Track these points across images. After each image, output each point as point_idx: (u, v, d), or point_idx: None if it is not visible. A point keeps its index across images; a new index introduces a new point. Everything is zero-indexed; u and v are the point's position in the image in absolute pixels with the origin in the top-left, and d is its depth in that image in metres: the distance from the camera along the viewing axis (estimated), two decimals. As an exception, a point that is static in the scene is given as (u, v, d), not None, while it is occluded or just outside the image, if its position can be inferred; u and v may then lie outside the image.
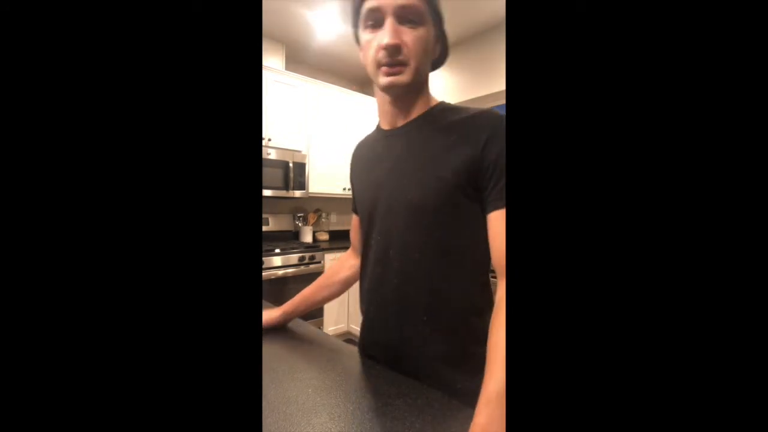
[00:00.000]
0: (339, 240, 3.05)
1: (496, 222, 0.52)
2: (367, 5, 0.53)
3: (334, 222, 3.21)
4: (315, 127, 2.71)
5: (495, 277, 0.54)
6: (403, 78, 0.54)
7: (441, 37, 0.59)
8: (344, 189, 2.93)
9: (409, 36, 0.52)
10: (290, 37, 2.59)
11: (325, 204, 3.11)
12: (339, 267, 0.83)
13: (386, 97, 0.61)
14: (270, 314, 0.82)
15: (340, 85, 2.94)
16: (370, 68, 0.56)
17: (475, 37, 2.50)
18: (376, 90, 0.62)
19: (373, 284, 0.65)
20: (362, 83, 3.37)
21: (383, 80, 0.55)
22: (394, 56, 0.52)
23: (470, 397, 0.45)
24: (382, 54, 0.53)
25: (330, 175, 2.84)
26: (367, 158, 0.69)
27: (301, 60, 2.91)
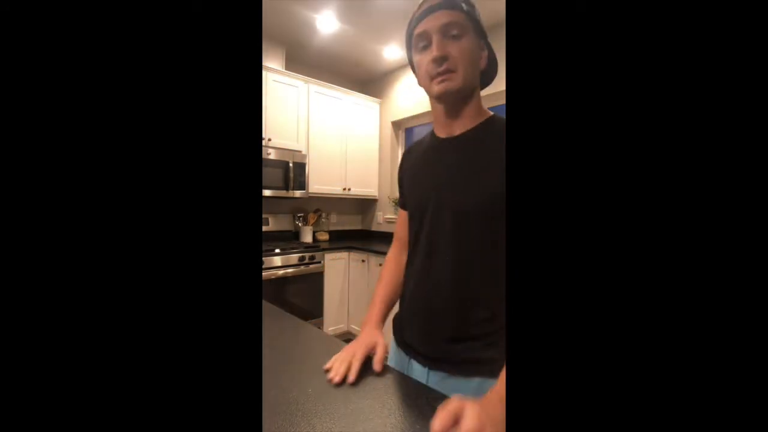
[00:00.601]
0: (339, 240, 3.05)
1: None
2: (416, 31, 0.63)
3: (334, 222, 3.21)
4: (315, 127, 2.71)
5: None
6: (453, 84, 0.61)
7: (486, 49, 0.66)
8: (344, 189, 2.93)
9: (454, 47, 0.60)
10: (290, 37, 2.59)
11: (325, 204, 3.11)
12: (398, 263, 0.84)
13: (441, 107, 0.67)
14: (379, 339, 0.70)
15: (340, 85, 2.94)
16: (425, 83, 0.64)
17: (475, 37, 2.50)
18: (432, 103, 0.69)
19: (420, 273, 0.71)
20: (362, 83, 3.37)
21: (436, 88, 0.62)
22: (442, 65, 0.60)
23: (486, 366, 0.54)
24: (432, 66, 0.61)
25: (330, 175, 2.84)
26: (422, 161, 0.75)
27: (301, 60, 2.91)
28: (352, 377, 0.58)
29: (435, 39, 0.60)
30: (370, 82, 3.34)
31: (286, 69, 2.66)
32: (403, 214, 0.82)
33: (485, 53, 0.66)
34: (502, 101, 2.44)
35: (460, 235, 0.64)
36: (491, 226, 0.61)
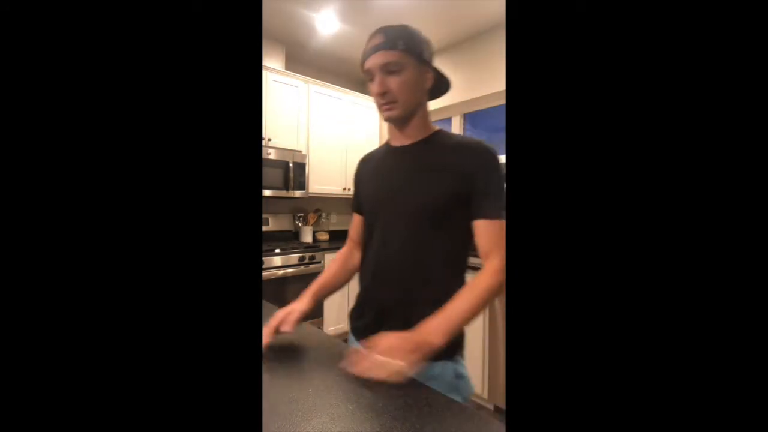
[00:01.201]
0: (339, 240, 3.05)
1: (482, 227, 0.71)
2: (364, 66, 0.74)
3: (334, 222, 3.21)
4: (315, 127, 2.71)
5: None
6: (394, 113, 0.73)
7: (430, 72, 0.75)
8: (344, 189, 2.93)
9: (393, 82, 0.71)
10: (290, 37, 2.59)
11: (325, 204, 3.11)
12: (347, 257, 0.94)
13: (392, 125, 0.80)
14: (302, 304, 0.81)
15: (340, 85, 2.93)
16: (377, 108, 0.76)
17: (475, 37, 2.50)
18: None
19: (372, 271, 0.80)
20: (362, 83, 3.37)
21: (383, 115, 0.75)
22: (384, 98, 0.72)
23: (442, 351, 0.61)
24: (377, 98, 0.73)
25: (330, 175, 2.84)
26: (377, 167, 0.85)
27: (301, 60, 2.91)
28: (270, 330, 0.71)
29: (377, 77, 0.71)
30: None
31: (286, 69, 2.66)
32: (357, 217, 0.92)
33: (431, 75, 0.75)
34: (502, 101, 2.44)
35: (409, 233, 0.74)
36: (437, 224, 0.72)
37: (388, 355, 0.56)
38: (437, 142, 0.77)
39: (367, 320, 0.79)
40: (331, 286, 0.91)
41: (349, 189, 2.95)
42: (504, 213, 0.70)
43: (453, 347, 0.71)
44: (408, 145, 0.79)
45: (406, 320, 0.71)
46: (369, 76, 0.74)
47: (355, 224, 0.94)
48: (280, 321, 0.73)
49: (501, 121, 2.53)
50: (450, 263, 0.75)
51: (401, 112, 0.73)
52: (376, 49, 0.71)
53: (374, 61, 0.71)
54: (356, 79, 3.32)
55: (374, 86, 0.72)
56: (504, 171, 0.68)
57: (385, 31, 0.72)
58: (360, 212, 0.90)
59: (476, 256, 0.72)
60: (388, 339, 0.58)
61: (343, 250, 0.95)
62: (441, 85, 0.79)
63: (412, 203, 0.73)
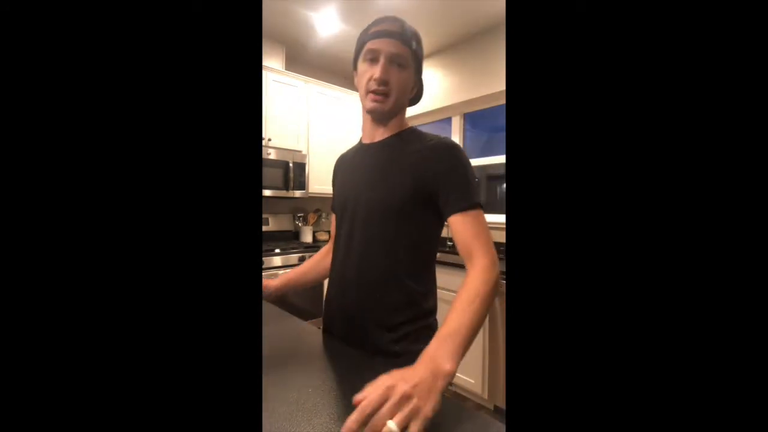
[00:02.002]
0: (339, 240, 3.04)
1: (456, 223, 0.67)
2: (368, 46, 0.70)
3: (334, 222, 3.21)
4: (315, 127, 2.71)
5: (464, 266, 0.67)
6: (384, 106, 0.71)
7: (418, 82, 0.77)
8: (344, 189, 2.93)
9: (396, 75, 0.70)
10: (290, 37, 2.59)
11: (325, 204, 3.11)
12: (323, 256, 0.96)
13: (368, 117, 0.78)
14: (269, 283, 0.88)
15: (340, 85, 2.93)
16: (361, 92, 0.74)
17: (475, 37, 2.50)
18: (363, 112, 0.78)
19: (338, 267, 0.79)
20: (362, 83, 3.36)
21: (368, 104, 0.72)
22: (381, 86, 0.69)
23: (408, 358, 0.55)
24: (372, 83, 0.69)
25: (330, 175, 2.83)
26: (348, 166, 0.85)
27: (301, 60, 2.91)
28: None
29: (382, 62, 0.68)
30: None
31: (286, 69, 2.66)
32: (335, 216, 0.92)
33: (416, 85, 0.77)
34: (502, 101, 2.44)
35: (373, 232, 0.72)
36: (401, 223, 0.70)
37: (411, 395, 0.44)
38: (404, 139, 0.75)
39: (334, 323, 0.78)
40: (299, 280, 0.94)
41: (349, 189, 2.94)
42: (476, 201, 0.67)
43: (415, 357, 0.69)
44: (377, 143, 0.78)
45: (370, 327, 0.71)
46: (372, 55, 0.70)
47: (333, 224, 0.93)
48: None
49: (501, 121, 2.53)
50: (416, 264, 0.73)
51: (390, 106, 0.71)
52: (391, 35, 0.68)
53: (386, 46, 0.68)
54: (356, 79, 3.32)
55: (377, 70, 0.69)
56: (468, 162, 0.69)
57: (403, 23, 0.70)
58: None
59: (445, 251, 0.72)
60: (403, 383, 0.44)
61: (323, 249, 0.97)
62: (418, 96, 0.80)
63: (376, 201, 0.72)
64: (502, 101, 2.44)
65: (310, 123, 2.68)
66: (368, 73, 0.70)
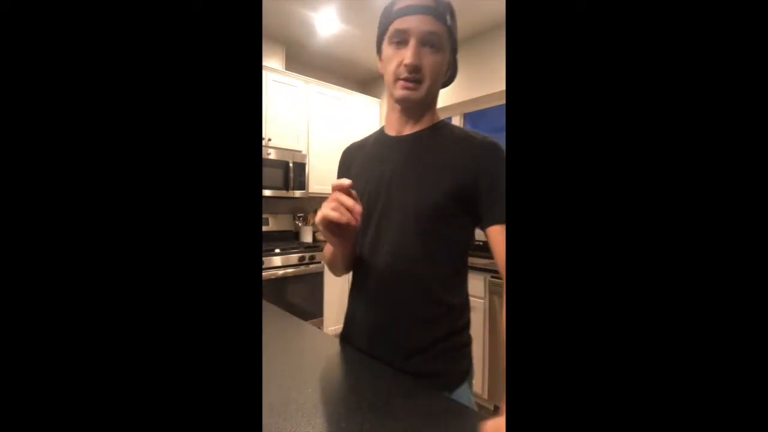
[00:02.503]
0: (339, 240, 3.04)
1: (495, 235, 0.60)
2: (395, 25, 0.59)
3: (334, 222, 3.21)
4: (315, 127, 2.71)
5: (499, 278, 0.62)
6: (417, 94, 0.61)
7: (453, 63, 0.66)
8: (344, 189, 2.92)
9: (429, 59, 0.59)
10: (290, 37, 2.59)
11: (325, 204, 3.11)
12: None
13: (396, 107, 0.67)
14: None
15: (340, 85, 2.94)
16: (388, 79, 0.63)
17: (475, 37, 2.50)
18: (388, 98, 0.68)
19: (363, 275, 0.69)
20: (362, 83, 3.37)
21: (399, 92, 0.62)
22: (412, 74, 0.59)
23: (446, 379, 0.53)
24: (402, 69, 0.59)
25: (330, 175, 2.83)
26: (368, 158, 0.73)
27: (301, 60, 2.91)
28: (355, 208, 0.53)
29: (412, 44, 0.58)
30: (370, 82, 3.34)
31: (286, 69, 2.66)
32: None
33: (451, 64, 0.66)
34: (502, 101, 2.44)
35: (405, 237, 0.63)
36: (436, 227, 0.62)
37: None
38: (439, 134, 0.66)
39: (359, 343, 0.69)
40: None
41: (349, 189, 2.94)
42: None
43: (465, 374, 0.64)
44: (406, 136, 0.68)
45: (400, 342, 0.63)
46: (400, 37, 0.59)
47: None
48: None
49: (501, 121, 2.53)
50: (451, 273, 0.65)
51: (423, 94, 0.62)
52: (422, 10, 0.57)
53: (416, 23, 0.57)
54: (356, 79, 3.32)
55: (407, 54, 0.58)
56: None
57: None
58: None
59: (478, 255, 0.66)
60: None
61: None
62: (451, 78, 0.69)
63: (409, 203, 0.63)
64: (502, 101, 2.44)
65: (310, 123, 2.68)
66: (397, 58, 0.60)
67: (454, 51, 0.64)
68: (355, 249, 0.70)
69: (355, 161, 0.76)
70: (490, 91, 2.44)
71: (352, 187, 0.57)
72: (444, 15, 0.59)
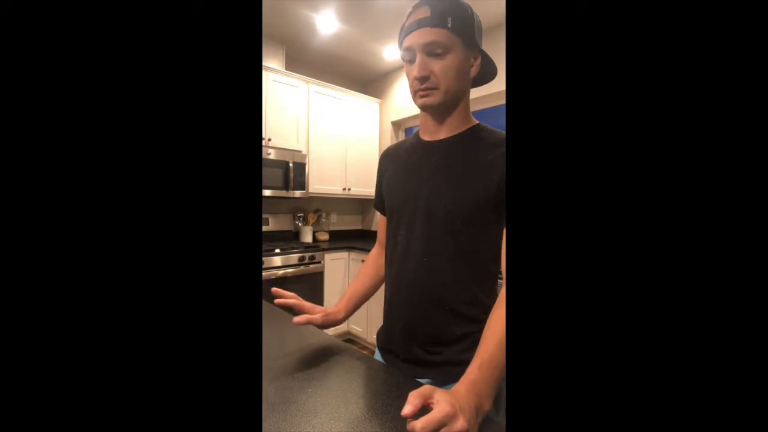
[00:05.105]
0: (339, 240, 3.05)
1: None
2: (404, 44, 0.65)
3: (334, 222, 3.21)
4: (315, 127, 2.71)
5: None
6: (433, 99, 0.64)
7: (476, 58, 0.67)
8: (344, 189, 2.93)
9: (437, 65, 0.62)
10: (290, 37, 2.59)
11: (325, 204, 3.11)
12: (375, 261, 0.88)
13: (426, 114, 0.71)
14: (333, 315, 0.77)
15: (340, 85, 2.93)
16: (411, 93, 0.68)
17: (475, 37, 2.50)
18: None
19: (396, 278, 0.72)
20: (362, 83, 3.37)
21: (418, 101, 0.66)
22: (423, 83, 0.63)
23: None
24: (415, 83, 0.64)
25: (330, 175, 2.84)
26: (404, 163, 0.76)
27: (301, 60, 2.91)
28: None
29: (418, 58, 0.62)
30: (370, 82, 3.34)
31: (286, 69, 2.66)
32: (382, 218, 0.84)
33: (478, 60, 0.67)
34: (503, 101, 2.44)
35: (436, 241, 0.66)
36: (468, 232, 0.64)
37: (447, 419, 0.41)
38: (474, 138, 0.68)
39: (394, 339, 0.72)
40: (365, 291, 0.84)
41: (348, 189, 2.95)
42: None
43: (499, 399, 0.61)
44: (441, 140, 0.70)
45: (435, 339, 0.66)
46: (409, 55, 0.64)
47: (380, 225, 0.86)
48: (305, 317, 0.68)
49: (501, 120, 2.53)
50: (482, 275, 0.67)
51: (441, 98, 0.64)
52: (420, 24, 0.61)
53: (416, 39, 0.62)
54: (356, 79, 3.32)
55: (414, 68, 0.63)
56: None
57: (431, 3, 0.61)
58: (383, 212, 0.81)
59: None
60: (463, 420, 0.41)
61: (373, 253, 0.89)
62: (487, 73, 0.70)
63: (442, 207, 0.65)
64: (502, 101, 2.44)
65: (310, 123, 2.68)
66: (411, 73, 0.65)
67: (470, 47, 0.65)
68: (382, 272, 0.81)
69: (390, 166, 0.80)
70: (490, 91, 2.44)
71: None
72: (443, 19, 0.61)
